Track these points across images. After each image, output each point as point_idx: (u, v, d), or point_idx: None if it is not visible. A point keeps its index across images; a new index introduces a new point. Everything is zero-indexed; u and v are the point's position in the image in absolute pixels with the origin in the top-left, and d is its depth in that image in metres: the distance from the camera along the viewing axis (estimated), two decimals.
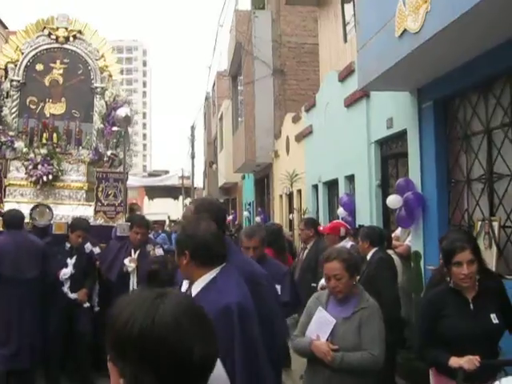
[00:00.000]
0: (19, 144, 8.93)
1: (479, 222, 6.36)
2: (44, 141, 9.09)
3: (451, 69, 6.52)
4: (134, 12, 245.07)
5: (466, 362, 3.32)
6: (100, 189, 8.71)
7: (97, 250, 7.49)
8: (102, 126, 9.32)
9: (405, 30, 5.91)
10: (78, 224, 7.12)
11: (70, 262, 6.91)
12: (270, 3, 19.50)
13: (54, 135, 9.14)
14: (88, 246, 7.10)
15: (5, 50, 9.71)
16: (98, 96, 9.51)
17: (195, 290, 2.72)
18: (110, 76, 9.70)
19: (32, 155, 8.83)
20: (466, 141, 6.92)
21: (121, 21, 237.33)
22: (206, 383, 1.39)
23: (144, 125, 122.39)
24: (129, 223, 7.39)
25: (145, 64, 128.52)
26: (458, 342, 3.51)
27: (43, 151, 8.87)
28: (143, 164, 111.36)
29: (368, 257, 5.85)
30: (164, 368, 1.30)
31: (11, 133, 9.01)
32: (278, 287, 4.48)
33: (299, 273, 7.69)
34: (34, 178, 8.71)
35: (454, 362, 3.40)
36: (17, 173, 8.93)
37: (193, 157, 40.01)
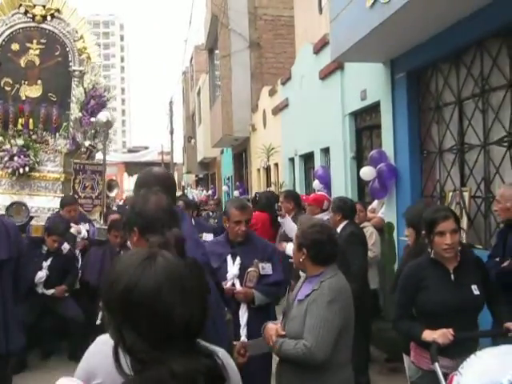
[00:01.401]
0: None
1: (450, 193, 6.41)
2: (20, 127, 8.83)
3: (423, 40, 6.51)
4: None
5: (440, 335, 3.21)
6: (77, 181, 8.56)
7: (84, 232, 7.47)
8: (80, 114, 8.99)
9: (376, 0, 5.87)
10: (55, 229, 6.91)
11: (45, 264, 6.78)
12: None
13: (31, 121, 8.86)
14: (65, 247, 6.95)
15: None
16: (75, 79, 9.17)
17: None
18: (89, 58, 9.34)
19: (8, 146, 8.53)
20: (437, 112, 6.93)
21: None
22: (193, 345, 1.46)
23: (123, 100, 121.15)
24: (106, 227, 7.33)
25: (122, 39, 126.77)
26: (438, 313, 3.40)
27: (19, 142, 8.57)
28: (122, 140, 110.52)
29: (338, 229, 5.85)
30: (144, 327, 1.40)
31: None
32: (268, 265, 4.36)
33: (277, 246, 7.69)
34: (10, 170, 8.46)
35: (428, 335, 3.29)
36: None
37: (171, 132, 39.78)
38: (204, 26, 22.76)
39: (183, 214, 3.21)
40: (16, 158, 8.46)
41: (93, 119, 8.94)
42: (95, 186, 8.71)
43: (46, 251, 6.87)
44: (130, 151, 55.13)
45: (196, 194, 27.00)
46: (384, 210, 7.91)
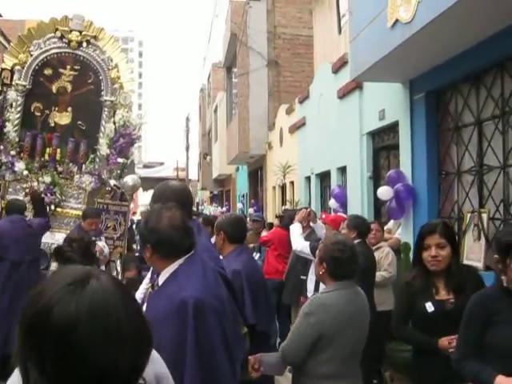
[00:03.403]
0: (19, 166, 8.48)
1: (469, 214, 6.37)
2: (46, 157, 8.69)
3: (443, 60, 6.51)
4: (129, 2, 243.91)
5: None
6: (100, 220, 8.50)
7: (106, 250, 7.48)
8: (107, 151, 8.78)
9: (397, 21, 5.90)
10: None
11: None
12: None
13: (58, 151, 8.76)
14: None
15: (12, 48, 9.12)
16: (106, 110, 8.95)
17: (160, 281, 2.66)
18: (122, 88, 9.10)
19: (35, 183, 8.41)
20: (456, 132, 6.91)
21: (116, 11, 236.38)
22: None
23: (140, 116, 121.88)
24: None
25: (141, 55, 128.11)
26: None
27: (47, 179, 8.44)
28: (138, 155, 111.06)
29: None
30: (49, 366, 1.15)
31: (13, 152, 8.54)
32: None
33: (289, 263, 7.67)
34: None
35: (503, 382, 2.75)
36: (15, 195, 8.41)
37: (187, 148, 39.98)
38: (223, 44, 22.93)
39: (200, 227, 3.21)
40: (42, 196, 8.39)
41: (120, 160, 8.76)
42: (117, 226, 8.53)
43: None
44: (145, 166, 55.25)
45: (212, 210, 27.07)
46: (400, 231, 7.87)
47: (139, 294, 5.71)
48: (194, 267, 2.63)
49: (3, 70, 8.91)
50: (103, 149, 8.81)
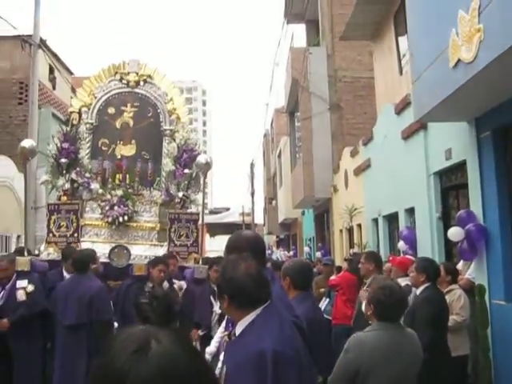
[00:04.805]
0: (95, 185, 9.11)
1: None
2: (117, 182, 9.30)
3: (508, 97, 6.39)
4: (192, 53, 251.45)
5: None
6: (172, 229, 8.83)
7: (184, 286, 7.68)
8: (173, 167, 9.35)
9: (459, 60, 5.85)
10: (160, 259, 7.40)
11: None
12: (325, 39, 19.66)
13: (127, 176, 9.33)
14: (165, 285, 7.07)
15: (79, 94, 9.99)
16: (167, 138, 9.63)
17: (237, 332, 2.68)
18: (179, 118, 9.80)
19: (108, 196, 8.99)
20: None
21: (180, 62, 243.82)
22: None
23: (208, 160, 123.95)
24: (206, 266, 7.71)
25: (204, 104, 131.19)
26: None
27: (119, 192, 9.02)
28: (204, 201, 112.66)
29: (418, 291, 5.68)
30: None
31: (87, 174, 9.20)
32: None
33: (357, 308, 7.55)
34: (110, 219, 8.85)
35: None
36: (92, 213, 9.10)
37: (252, 194, 40.32)
38: (284, 90, 23.24)
39: (274, 276, 3.24)
40: (116, 208, 8.87)
41: (186, 171, 9.28)
42: (190, 234, 8.93)
43: (150, 287, 7.05)
44: (211, 212, 56.10)
45: (281, 254, 27.07)
46: (471, 272, 7.64)
47: (214, 343, 5.73)
48: (271, 318, 2.64)
49: (72, 112, 9.82)
50: (168, 166, 9.40)
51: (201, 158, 8.93)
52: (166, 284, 7.20)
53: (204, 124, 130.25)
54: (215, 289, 6.52)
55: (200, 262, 8.31)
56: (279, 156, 31.22)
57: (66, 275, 7.58)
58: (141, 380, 1.13)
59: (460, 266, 7.93)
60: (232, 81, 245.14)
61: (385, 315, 3.85)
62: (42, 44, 16.38)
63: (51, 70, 21.17)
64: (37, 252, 9.23)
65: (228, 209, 52.75)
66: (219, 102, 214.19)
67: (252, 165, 42.68)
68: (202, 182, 9.30)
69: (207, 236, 40.96)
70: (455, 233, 7.61)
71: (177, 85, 10.65)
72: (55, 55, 20.66)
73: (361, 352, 3.70)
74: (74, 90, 18.89)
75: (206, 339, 6.70)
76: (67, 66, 23.05)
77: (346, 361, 3.74)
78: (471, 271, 7.62)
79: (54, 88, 22.00)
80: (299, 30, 25.06)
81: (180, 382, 1.16)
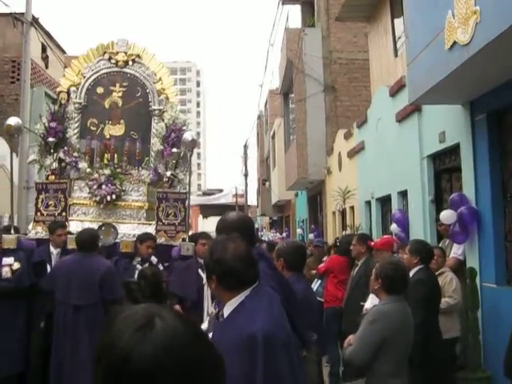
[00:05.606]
0: (83, 164, 9.12)
1: None
2: (105, 161, 9.30)
3: (504, 80, 6.38)
4: (187, 34, 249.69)
5: None
6: (160, 208, 8.81)
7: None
8: (161, 147, 9.38)
9: (454, 43, 5.83)
10: (147, 236, 7.51)
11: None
12: (320, 20, 19.52)
13: (116, 156, 9.35)
14: (153, 259, 7.23)
15: (67, 73, 9.98)
16: (155, 118, 9.66)
17: (226, 313, 2.68)
18: (167, 98, 9.81)
19: (96, 175, 9.00)
20: None
21: (174, 43, 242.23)
22: None
23: (198, 144, 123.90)
24: (193, 243, 7.62)
25: (198, 84, 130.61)
26: None
27: (107, 171, 9.04)
28: (198, 183, 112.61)
29: (411, 273, 5.71)
30: None
31: (75, 154, 9.20)
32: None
33: (348, 290, 7.58)
34: (98, 198, 8.86)
35: None
36: (80, 192, 9.11)
37: (246, 175, 40.28)
38: (279, 71, 23.13)
39: (263, 256, 3.25)
40: (104, 187, 8.88)
41: (174, 150, 9.27)
42: (177, 213, 8.92)
43: (139, 262, 7.10)
44: (204, 194, 56.16)
45: (272, 236, 27.16)
46: (456, 250, 7.61)
47: (207, 319, 5.75)
48: (260, 299, 2.65)
49: (60, 92, 9.82)
50: (157, 145, 9.42)
51: (187, 135, 8.86)
52: (154, 259, 7.25)
53: (198, 105, 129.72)
54: (202, 263, 6.64)
55: (187, 240, 8.29)
56: (273, 137, 31.14)
57: (53, 251, 7.59)
58: (145, 357, 1.13)
59: (442, 245, 7.91)
60: (226, 61, 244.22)
61: (393, 289, 4.17)
62: (35, 22, 16.17)
63: (44, 49, 20.91)
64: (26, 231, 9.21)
65: (221, 190, 52.76)
66: (213, 83, 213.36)
67: (246, 146, 42.60)
68: (188, 159, 9.25)
69: (200, 217, 41.00)
70: (448, 215, 7.63)
71: (171, 65, 10.59)
72: (48, 34, 20.40)
73: (388, 322, 4.04)
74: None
75: (197, 313, 6.66)
76: (60, 44, 22.79)
77: (372, 331, 4.07)
78: (456, 249, 7.61)
79: (46, 67, 21.76)
80: (294, 11, 24.87)
81: (184, 358, 1.16)
